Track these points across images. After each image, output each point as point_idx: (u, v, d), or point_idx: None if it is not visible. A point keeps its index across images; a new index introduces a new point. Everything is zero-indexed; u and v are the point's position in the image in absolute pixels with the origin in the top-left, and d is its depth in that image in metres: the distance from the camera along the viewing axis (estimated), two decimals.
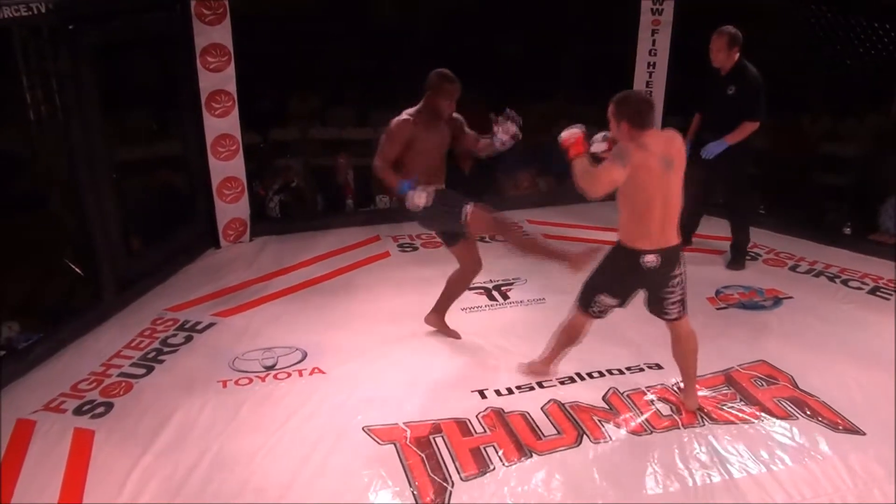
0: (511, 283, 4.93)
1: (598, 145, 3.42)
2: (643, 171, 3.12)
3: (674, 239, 3.28)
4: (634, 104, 3.18)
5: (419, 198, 3.65)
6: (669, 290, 3.36)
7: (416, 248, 5.57)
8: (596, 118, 6.62)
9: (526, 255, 3.94)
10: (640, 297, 3.48)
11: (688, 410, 3.55)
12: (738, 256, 5.23)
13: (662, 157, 3.15)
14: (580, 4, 5.65)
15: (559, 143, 3.30)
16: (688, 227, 5.38)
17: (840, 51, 5.44)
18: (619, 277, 3.36)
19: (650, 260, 3.23)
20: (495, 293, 4.81)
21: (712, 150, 4.87)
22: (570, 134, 3.28)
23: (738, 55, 4.82)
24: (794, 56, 5.73)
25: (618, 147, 3.21)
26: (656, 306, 3.44)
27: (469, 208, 3.75)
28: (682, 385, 3.66)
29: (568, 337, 3.64)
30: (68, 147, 4.24)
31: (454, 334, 4.24)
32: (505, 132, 3.80)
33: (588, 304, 3.46)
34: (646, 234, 3.22)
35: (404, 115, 3.81)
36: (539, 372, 3.78)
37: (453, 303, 4.25)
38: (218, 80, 5.20)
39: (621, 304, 3.47)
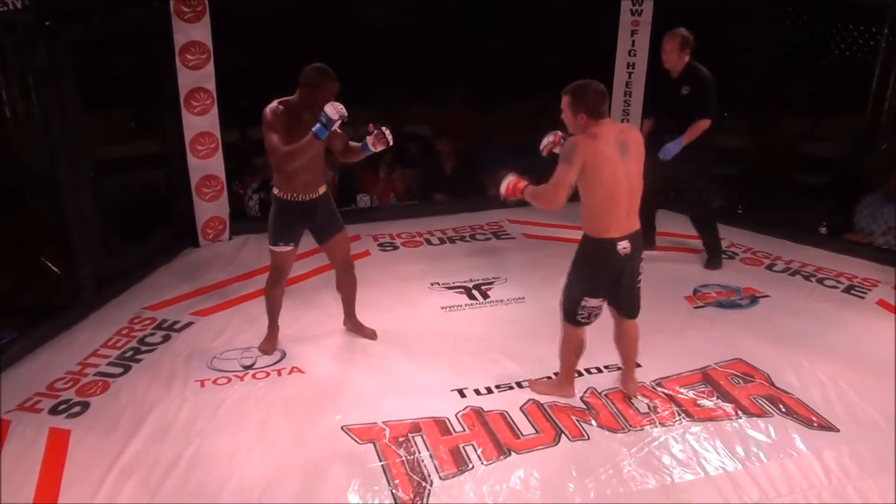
0: (491, 283, 4.95)
1: (548, 144, 3.53)
2: (599, 159, 3.13)
3: (637, 223, 3.33)
4: (591, 94, 3.19)
5: (333, 113, 3.43)
6: (638, 277, 3.43)
7: (396, 248, 5.58)
8: None
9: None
10: None
11: (629, 395, 3.64)
12: (713, 256, 5.27)
13: (617, 143, 3.18)
14: (560, 5, 5.68)
15: (503, 197, 3.44)
16: (646, 228, 5.54)
17: (816, 52, 5.50)
18: (597, 273, 3.35)
19: (624, 246, 3.25)
20: (475, 292, 4.82)
21: (670, 150, 4.93)
22: (507, 184, 3.41)
23: (689, 57, 4.90)
24: (771, 56, 5.79)
25: (562, 148, 3.24)
26: (627, 302, 3.47)
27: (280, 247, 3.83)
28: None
29: (571, 351, 3.58)
30: (46, 145, 4.20)
31: (371, 334, 4.23)
32: (373, 146, 3.74)
33: (574, 314, 3.44)
34: (614, 222, 3.23)
35: (275, 103, 3.62)
36: (561, 394, 3.66)
37: (355, 304, 4.25)
38: (197, 77, 5.17)
39: (606, 302, 3.46)
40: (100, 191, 4.68)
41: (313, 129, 3.45)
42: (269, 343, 4.10)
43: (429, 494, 3.05)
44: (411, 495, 3.04)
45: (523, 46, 5.90)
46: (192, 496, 3.04)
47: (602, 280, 3.36)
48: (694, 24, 4.95)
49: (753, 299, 4.76)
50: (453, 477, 3.14)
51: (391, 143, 3.76)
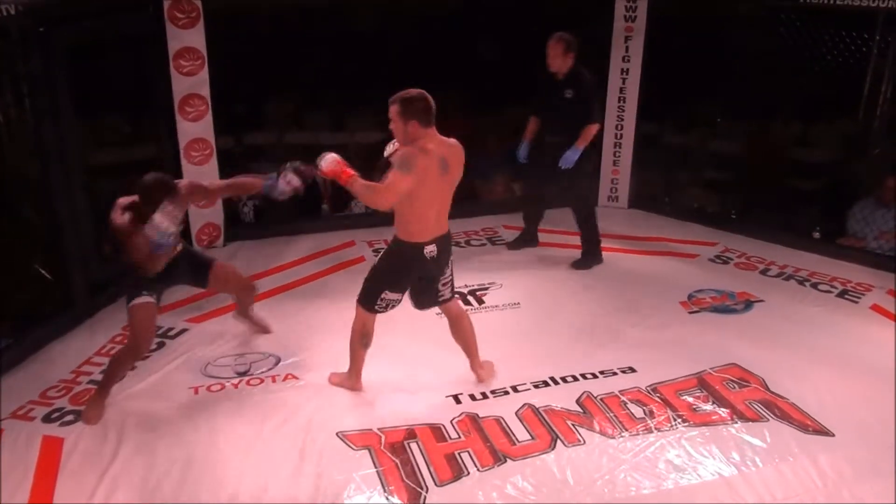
0: (486, 288, 4.94)
1: (392, 152, 3.46)
2: (426, 176, 3.26)
3: (445, 227, 3.51)
4: (420, 101, 3.28)
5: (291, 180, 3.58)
6: (446, 274, 3.63)
7: None
8: None
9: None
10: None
11: (483, 380, 3.79)
12: (586, 254, 5.32)
13: (440, 160, 3.30)
14: (553, 11, 5.69)
15: (321, 173, 3.38)
16: (531, 226, 5.64)
17: (809, 57, 5.53)
18: (402, 272, 3.55)
19: (431, 250, 3.44)
20: (471, 298, 4.81)
21: (570, 158, 4.99)
22: (329, 162, 3.34)
23: (572, 60, 4.97)
24: (765, 62, 5.81)
25: (400, 155, 3.27)
26: (428, 296, 3.67)
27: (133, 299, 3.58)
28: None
29: (358, 340, 3.69)
30: (40, 150, 4.19)
31: (263, 327, 4.32)
32: (287, 183, 3.61)
33: (373, 302, 3.59)
34: (424, 228, 3.41)
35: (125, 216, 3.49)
36: (350, 386, 3.77)
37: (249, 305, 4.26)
38: (191, 83, 5.16)
39: (402, 297, 3.64)
40: (94, 197, 4.66)
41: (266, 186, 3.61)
42: (96, 411, 3.58)
43: (424, 501, 3.04)
44: (407, 502, 3.03)
45: (516, 52, 5.91)
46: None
47: (405, 278, 3.58)
48: (687, 29, 4.97)
49: (748, 304, 4.77)
50: (449, 483, 3.13)
51: (301, 186, 3.64)
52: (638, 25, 5.98)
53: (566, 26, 5.04)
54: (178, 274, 3.80)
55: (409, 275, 3.56)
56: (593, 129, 5.02)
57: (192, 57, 5.11)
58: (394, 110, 3.28)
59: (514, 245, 5.66)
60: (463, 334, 3.78)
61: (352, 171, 3.33)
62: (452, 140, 3.40)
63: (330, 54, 6.25)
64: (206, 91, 5.23)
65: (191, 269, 3.86)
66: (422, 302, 3.74)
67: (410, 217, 3.40)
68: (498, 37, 6.30)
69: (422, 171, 3.24)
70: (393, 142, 3.44)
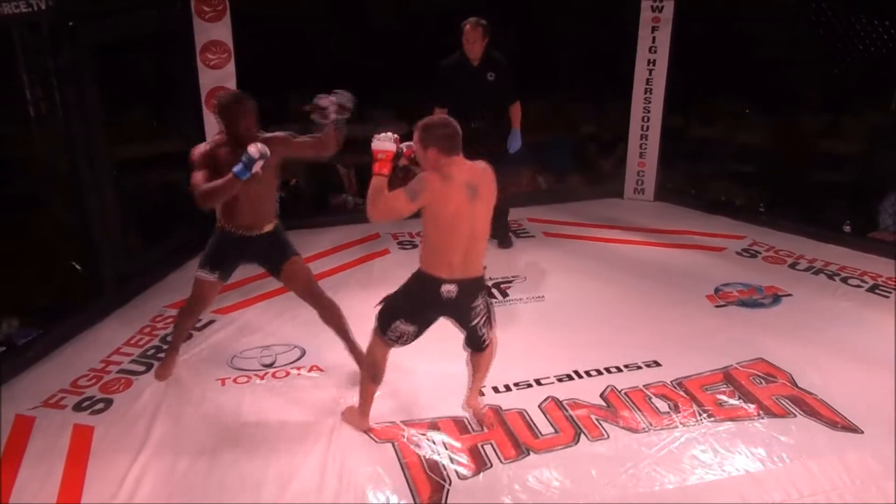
0: (510, 281, 4.94)
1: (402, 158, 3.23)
2: (444, 201, 3.01)
3: (476, 271, 3.17)
4: (442, 129, 3.06)
5: (255, 152, 3.21)
6: (475, 321, 3.24)
7: (415, 246, 5.57)
8: (594, 115, 6.65)
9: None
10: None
11: (469, 410, 3.49)
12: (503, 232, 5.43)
13: (467, 185, 3.04)
14: (579, 2, 5.65)
15: (371, 148, 3.12)
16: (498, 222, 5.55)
17: (840, 47, 5.43)
18: (417, 304, 3.21)
19: (448, 290, 3.10)
20: (495, 291, 4.81)
21: (516, 143, 5.07)
22: (384, 147, 3.09)
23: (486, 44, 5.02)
24: (794, 53, 5.72)
25: (415, 180, 3.06)
26: (472, 338, 3.30)
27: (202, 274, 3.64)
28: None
29: (369, 372, 3.39)
30: (69, 144, 4.25)
31: (357, 354, 3.83)
32: (327, 109, 3.46)
33: (385, 328, 3.25)
34: (446, 263, 3.09)
35: (205, 144, 3.55)
36: (357, 425, 3.46)
37: (349, 334, 3.92)
38: (218, 77, 5.20)
39: (418, 333, 3.26)
40: (121, 190, 4.72)
41: (234, 168, 3.24)
42: (165, 369, 3.82)
43: (447, 494, 3.05)
44: (430, 494, 3.04)
45: (542, 43, 5.87)
46: (212, 493, 3.07)
47: (418, 311, 3.22)
48: (715, 19, 4.90)
49: (776, 298, 4.71)
50: (472, 476, 3.14)
51: (342, 105, 3.48)
52: (665, 16, 5.92)
53: (592, 17, 5.01)
54: (257, 251, 3.67)
55: (425, 310, 3.22)
56: (519, 106, 5.09)
57: (218, 50, 5.15)
58: (415, 137, 3.10)
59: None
60: (476, 362, 3.44)
61: (386, 171, 3.08)
62: (481, 163, 3.16)
63: (355, 47, 6.26)
64: (232, 84, 5.26)
65: (271, 253, 3.69)
66: (467, 341, 3.36)
67: (432, 244, 3.12)
68: (522, 28, 6.27)
69: (436, 195, 3.00)
70: (406, 144, 3.19)
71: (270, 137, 3.48)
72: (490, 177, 3.15)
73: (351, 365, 3.92)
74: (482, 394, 3.62)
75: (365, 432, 3.41)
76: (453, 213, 3.02)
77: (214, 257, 3.65)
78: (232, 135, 3.45)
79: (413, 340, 3.28)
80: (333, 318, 3.78)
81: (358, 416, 3.46)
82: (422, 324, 3.25)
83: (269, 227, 3.64)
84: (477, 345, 3.34)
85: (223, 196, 3.35)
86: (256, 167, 3.24)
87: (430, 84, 5.01)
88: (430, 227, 3.10)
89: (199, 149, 3.47)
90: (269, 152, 3.25)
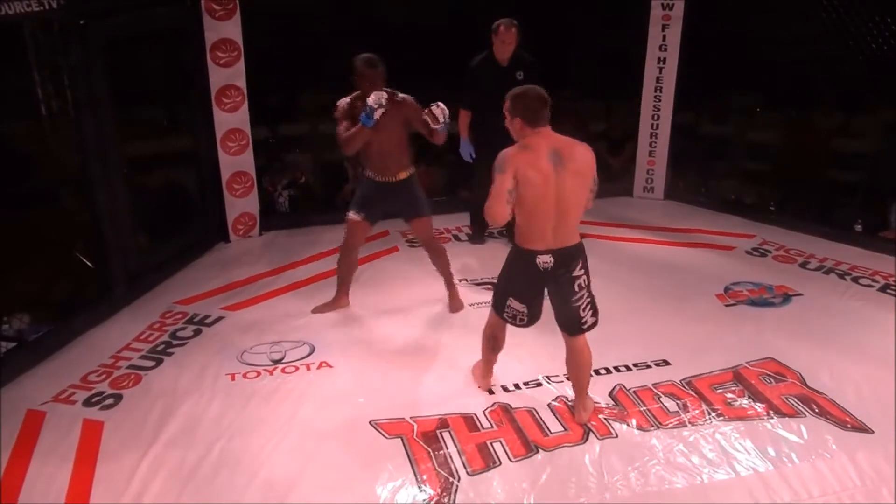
0: None
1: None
2: (528, 170, 3.06)
3: (570, 239, 3.20)
4: (526, 100, 3.14)
5: (373, 101, 3.82)
6: (576, 295, 3.27)
7: None
8: (604, 113, 6.62)
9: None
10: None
11: (577, 423, 3.43)
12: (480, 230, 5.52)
13: (552, 154, 3.08)
14: (588, 0, 5.63)
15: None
16: (483, 229, 5.61)
17: (853, 46, 5.40)
18: (519, 279, 3.30)
19: (544, 261, 3.17)
20: None
21: None
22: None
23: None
24: (805, 50, 5.69)
25: (496, 160, 3.13)
26: (568, 316, 3.32)
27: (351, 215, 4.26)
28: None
29: (488, 342, 3.59)
30: (80, 142, 4.27)
31: (455, 302, 4.56)
32: (438, 116, 3.91)
33: (501, 309, 3.40)
34: (538, 235, 3.16)
35: (347, 97, 4.10)
36: (479, 383, 3.71)
37: (450, 275, 4.56)
38: (228, 75, 5.22)
39: (531, 312, 3.35)
40: (132, 187, 4.74)
41: (360, 118, 3.87)
42: (329, 306, 4.48)
43: (456, 490, 3.05)
44: (439, 491, 3.05)
45: (552, 41, 5.86)
46: (221, 488, 3.08)
47: (522, 287, 3.31)
48: (725, 17, 4.87)
49: (786, 297, 4.69)
50: (481, 473, 3.14)
51: (441, 118, 3.91)
52: (675, 13, 5.90)
53: (602, 15, 4.99)
54: (394, 200, 4.25)
55: (529, 285, 3.28)
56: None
57: (228, 48, 5.17)
58: (505, 106, 3.19)
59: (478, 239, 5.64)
60: (578, 369, 3.43)
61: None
62: (575, 141, 3.17)
63: (365, 44, 6.26)
64: (242, 82, 5.28)
65: (407, 203, 4.28)
66: (562, 323, 3.36)
67: (521, 219, 3.17)
68: (532, 25, 6.26)
69: (520, 166, 3.06)
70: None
71: (403, 99, 4.06)
72: (586, 153, 3.18)
73: (357, 360, 3.93)
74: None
75: (488, 391, 3.65)
76: (538, 182, 3.08)
77: (360, 200, 4.26)
78: (366, 92, 3.92)
79: (529, 323, 3.40)
80: (439, 262, 4.48)
81: (480, 376, 3.71)
82: (530, 302, 3.34)
83: (403, 175, 4.19)
84: (574, 326, 3.33)
85: (357, 142, 3.99)
86: (378, 114, 3.84)
87: (439, 80, 5.00)
88: (518, 202, 3.13)
89: (342, 103, 4.08)
90: (385, 100, 3.84)
